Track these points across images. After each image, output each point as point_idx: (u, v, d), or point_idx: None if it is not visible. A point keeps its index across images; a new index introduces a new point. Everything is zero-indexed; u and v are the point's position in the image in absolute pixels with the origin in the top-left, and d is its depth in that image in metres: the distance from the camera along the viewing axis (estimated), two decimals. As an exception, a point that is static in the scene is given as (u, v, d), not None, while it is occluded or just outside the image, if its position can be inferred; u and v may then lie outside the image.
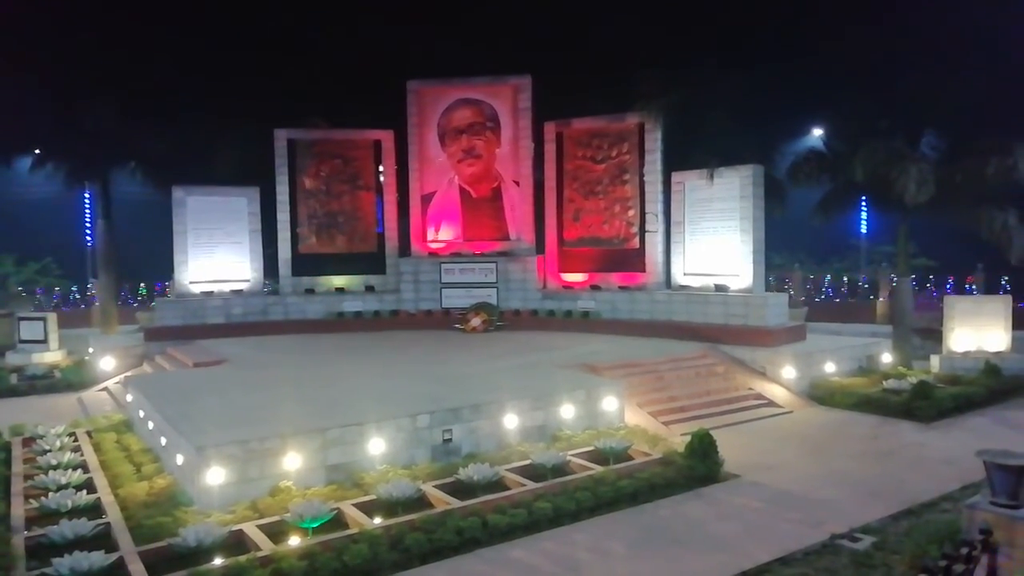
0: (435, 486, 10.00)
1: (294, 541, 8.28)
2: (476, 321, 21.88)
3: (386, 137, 24.24)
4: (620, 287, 21.84)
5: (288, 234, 23.60)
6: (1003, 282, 26.21)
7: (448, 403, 11.93)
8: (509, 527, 8.99)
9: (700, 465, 10.86)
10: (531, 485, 10.00)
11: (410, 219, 24.25)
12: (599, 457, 11.20)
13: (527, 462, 10.88)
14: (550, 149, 23.22)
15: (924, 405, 14.41)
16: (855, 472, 11.31)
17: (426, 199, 24.17)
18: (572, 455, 11.21)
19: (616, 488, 10.07)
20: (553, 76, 22.77)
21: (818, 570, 7.91)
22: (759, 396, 15.76)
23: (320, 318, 22.70)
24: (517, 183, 23.66)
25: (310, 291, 23.45)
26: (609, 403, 13.28)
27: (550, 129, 23.17)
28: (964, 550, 3.16)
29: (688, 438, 11.36)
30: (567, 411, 12.72)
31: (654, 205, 21.50)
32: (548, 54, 22.74)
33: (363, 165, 24.32)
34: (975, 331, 18.37)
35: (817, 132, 23.92)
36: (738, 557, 8.25)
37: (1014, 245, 17.88)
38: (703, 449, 10.97)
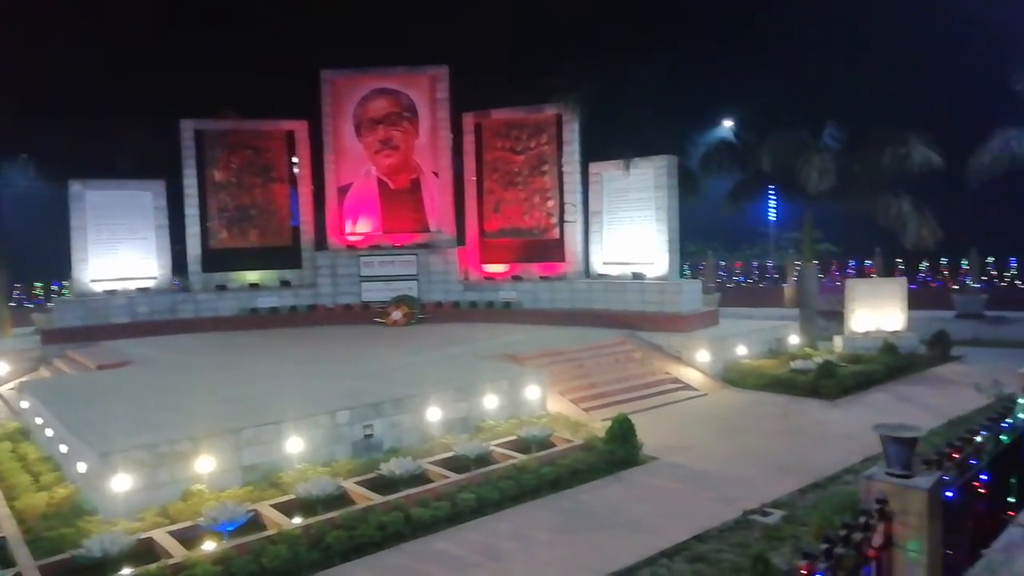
0: (356, 482, 9.84)
1: (208, 546, 7.98)
2: (397, 314, 21.63)
3: (299, 127, 23.59)
4: (541, 277, 22.02)
5: (197, 229, 22.69)
6: (898, 265, 27.80)
7: (369, 398, 11.75)
8: (432, 520, 8.94)
9: (620, 449, 11.08)
10: (454, 477, 9.97)
11: (326, 212, 23.71)
12: (522, 446, 11.26)
13: (450, 454, 10.84)
14: (469, 140, 23.13)
15: (829, 384, 15.14)
16: (766, 450, 11.78)
17: (343, 191, 23.68)
18: (495, 445, 11.24)
19: (539, 475, 10.16)
20: (471, 67, 22.70)
21: (732, 545, 8.20)
22: (676, 380, 16.20)
23: (233, 315, 21.96)
24: (436, 174, 23.47)
25: (222, 287, 22.64)
26: (531, 392, 13.37)
27: (469, 120, 23.07)
28: (862, 519, 3.33)
29: (608, 423, 11.56)
30: (490, 401, 12.73)
31: (573, 195, 21.74)
32: (466, 45, 22.67)
33: (276, 156, 23.61)
34: (874, 312, 19.41)
35: (728, 124, 24.71)
36: (657, 537, 8.46)
37: (908, 230, 18.94)
38: (623, 433, 11.19)
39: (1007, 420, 5.12)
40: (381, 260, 22.89)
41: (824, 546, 3.15)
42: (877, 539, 3.41)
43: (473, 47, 22.69)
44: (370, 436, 11.30)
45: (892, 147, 18.45)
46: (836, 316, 21.25)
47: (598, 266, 21.19)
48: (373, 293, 22.65)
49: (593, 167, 21.08)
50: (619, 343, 17.57)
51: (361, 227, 23.72)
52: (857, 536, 3.27)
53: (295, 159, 23.71)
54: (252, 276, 23.12)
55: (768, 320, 21.54)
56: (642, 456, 11.35)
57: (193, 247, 22.66)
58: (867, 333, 19.08)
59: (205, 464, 9.67)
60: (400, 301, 22.01)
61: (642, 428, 11.60)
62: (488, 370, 14.03)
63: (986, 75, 19.18)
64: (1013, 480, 5.24)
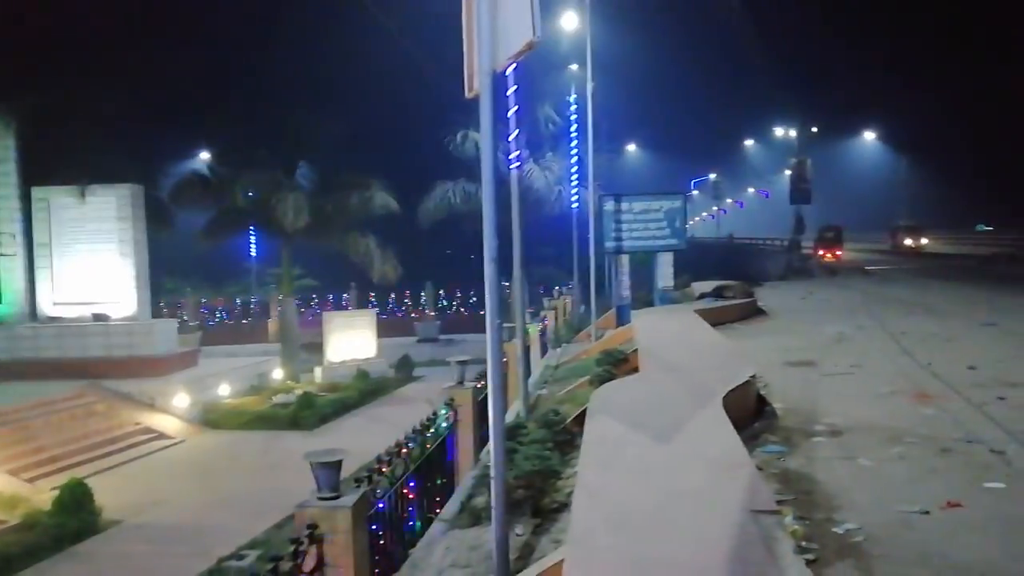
0: None
1: None
2: None
3: None
4: (-33, 324, 17.76)
5: None
6: (370, 297, 30.61)
7: None
8: None
9: (72, 520, 9.55)
10: None
11: None
12: (-74, 543, 8.78)
13: None
14: None
15: (308, 414, 15.68)
16: (245, 491, 11.51)
17: None
18: None
19: (-50, 577, 8.04)
20: None
21: (203, 600, 7.72)
22: (148, 430, 14.77)
23: None
24: None
25: None
26: (-55, 470, 10.59)
27: None
28: (292, 547, 3.39)
29: (58, 492, 9.87)
30: None
31: (12, 224, 18.17)
32: None
33: None
34: (349, 342, 20.89)
35: (205, 156, 23.92)
36: (114, 615, 7.45)
37: (374, 266, 20.98)
38: (75, 501, 9.69)
39: (431, 429, 5.94)
40: None
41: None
42: (309, 563, 3.51)
43: None
44: None
45: (358, 191, 20.27)
46: (317, 348, 22.25)
47: (47, 307, 18.07)
48: None
49: (37, 192, 17.98)
50: (76, 396, 15.23)
51: None
52: (286, 566, 3.32)
53: None
54: None
55: (252, 357, 21.37)
56: (102, 523, 9.99)
57: None
58: (343, 362, 20.39)
59: None
60: None
61: (105, 490, 10.32)
62: None
63: (431, 134, 22.63)
64: (440, 481, 6.10)
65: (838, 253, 33.05)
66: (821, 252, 32.52)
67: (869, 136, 53.11)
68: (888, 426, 5.87)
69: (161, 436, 14.69)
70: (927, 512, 4.09)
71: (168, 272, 27.71)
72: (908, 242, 37.88)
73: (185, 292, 30.14)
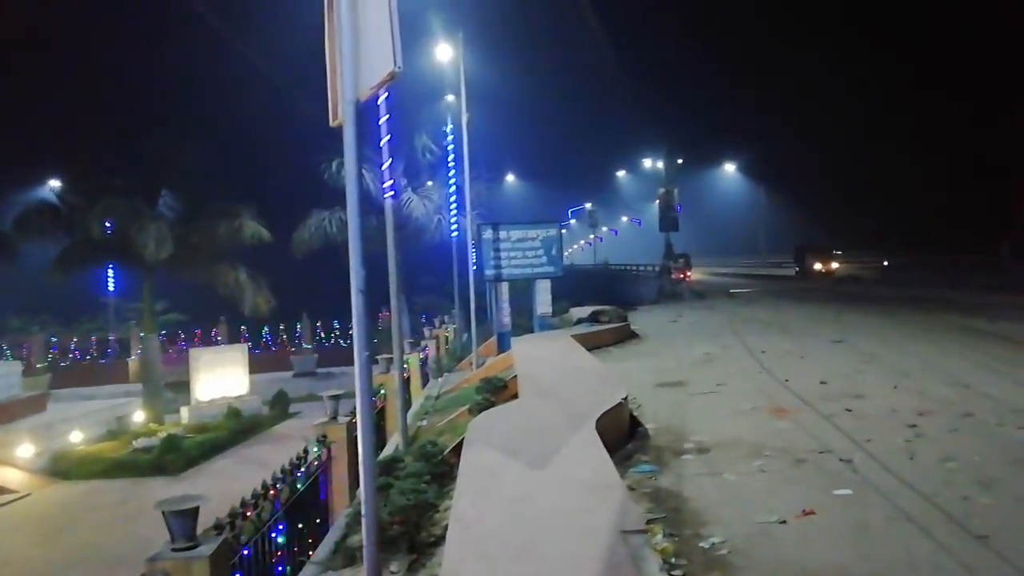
0: None
1: None
2: None
3: None
4: None
5: None
6: (242, 331, 29.21)
7: None
8: None
9: None
10: None
11: None
12: None
13: None
14: None
15: (174, 458, 14.69)
16: (100, 546, 10.59)
17: None
18: None
19: None
20: None
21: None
22: (-14, 485, 13.37)
23: None
24: None
25: None
26: None
27: None
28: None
29: None
30: None
31: None
32: None
33: None
34: (219, 379, 19.80)
35: (55, 183, 22.22)
36: None
37: (245, 298, 20.09)
38: None
39: (301, 468, 5.69)
40: None
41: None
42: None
43: None
44: None
45: (227, 220, 19.41)
46: (185, 386, 20.95)
47: None
48: None
49: None
50: (-102, 451, 13.58)
51: None
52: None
53: None
54: None
55: (110, 399, 19.85)
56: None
57: None
58: (212, 401, 19.30)
59: None
60: None
61: (-71, 557, 9.12)
62: None
63: (305, 162, 22.03)
64: (314, 521, 5.84)
65: (688, 274, 36.57)
66: (675, 275, 35.46)
67: (729, 167, 56.73)
68: (750, 441, 6.18)
69: (2, 491, 13.32)
70: (784, 522, 4.32)
71: (13, 310, 25.40)
72: (818, 267, 35.32)
73: (32, 331, 27.60)
